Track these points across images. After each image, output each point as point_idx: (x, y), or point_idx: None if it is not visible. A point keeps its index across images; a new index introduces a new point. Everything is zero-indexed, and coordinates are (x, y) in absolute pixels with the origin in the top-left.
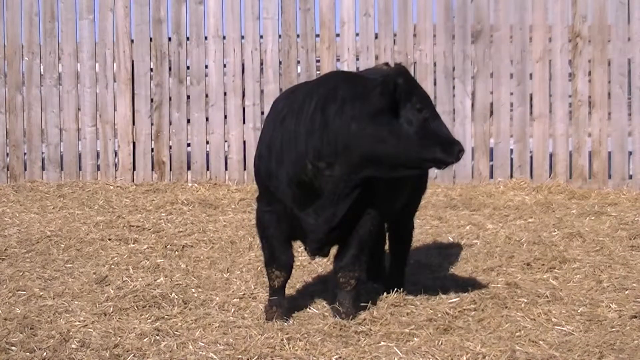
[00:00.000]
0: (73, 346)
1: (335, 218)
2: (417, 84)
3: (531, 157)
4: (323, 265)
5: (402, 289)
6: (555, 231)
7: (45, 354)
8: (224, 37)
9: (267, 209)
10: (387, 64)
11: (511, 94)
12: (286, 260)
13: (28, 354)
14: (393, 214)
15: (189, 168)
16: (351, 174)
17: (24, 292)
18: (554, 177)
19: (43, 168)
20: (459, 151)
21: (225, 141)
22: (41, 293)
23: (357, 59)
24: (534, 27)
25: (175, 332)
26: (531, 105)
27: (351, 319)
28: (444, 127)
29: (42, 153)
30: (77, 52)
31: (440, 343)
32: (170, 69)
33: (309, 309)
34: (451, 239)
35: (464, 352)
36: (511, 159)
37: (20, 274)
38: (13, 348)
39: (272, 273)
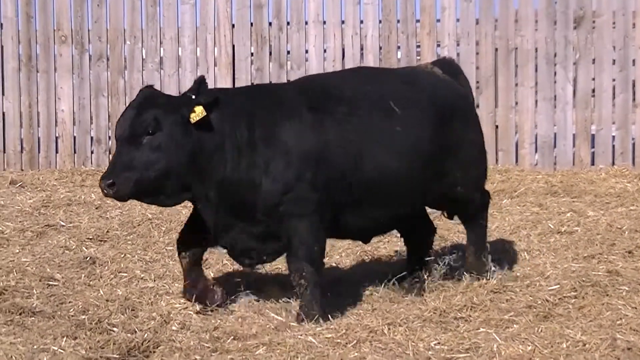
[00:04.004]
0: (173, 328)
1: (238, 244)
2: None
3: (633, 144)
4: None
5: (482, 277)
6: None
7: (146, 335)
8: (324, 22)
9: None
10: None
11: (613, 80)
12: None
13: (129, 335)
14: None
15: None
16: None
17: (126, 274)
18: None
19: None
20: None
21: None
22: (142, 275)
23: (458, 45)
24: (637, 12)
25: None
26: (634, 92)
27: (310, 322)
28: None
29: None
30: (179, 37)
31: (540, 330)
32: (270, 53)
33: (409, 294)
34: (551, 226)
35: (564, 340)
36: (613, 146)
37: (122, 256)
38: (115, 329)
39: None
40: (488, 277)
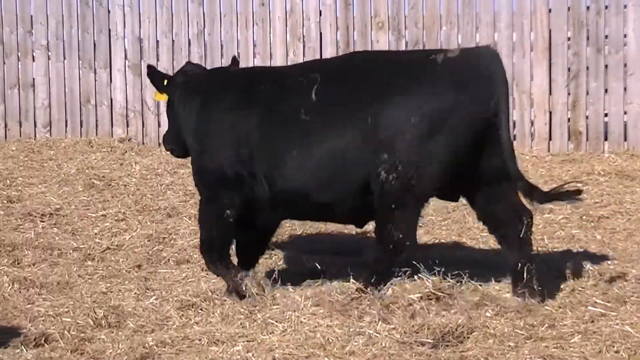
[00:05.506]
0: (487, 314)
1: None
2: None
3: None
4: None
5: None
6: None
7: (460, 320)
8: None
9: None
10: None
11: None
12: None
13: (443, 320)
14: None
15: (605, 138)
16: None
17: (439, 260)
18: None
19: None
20: None
21: None
22: (456, 262)
23: None
24: None
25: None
26: None
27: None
28: None
29: None
30: (494, 22)
31: None
32: (587, 38)
33: None
34: None
35: None
36: None
37: (436, 241)
38: (429, 314)
39: None
40: None
